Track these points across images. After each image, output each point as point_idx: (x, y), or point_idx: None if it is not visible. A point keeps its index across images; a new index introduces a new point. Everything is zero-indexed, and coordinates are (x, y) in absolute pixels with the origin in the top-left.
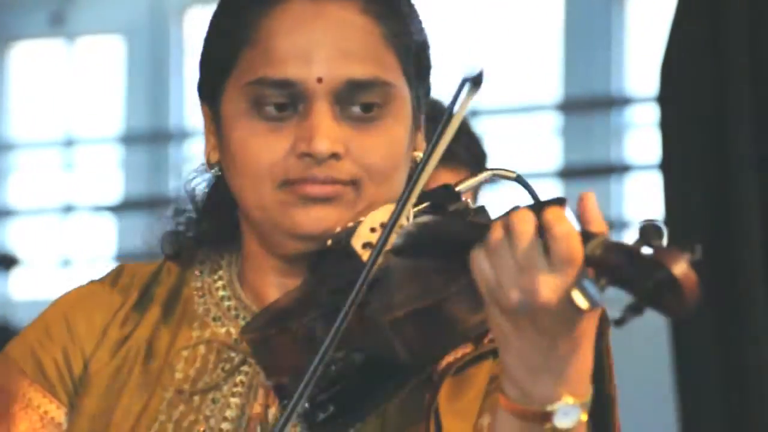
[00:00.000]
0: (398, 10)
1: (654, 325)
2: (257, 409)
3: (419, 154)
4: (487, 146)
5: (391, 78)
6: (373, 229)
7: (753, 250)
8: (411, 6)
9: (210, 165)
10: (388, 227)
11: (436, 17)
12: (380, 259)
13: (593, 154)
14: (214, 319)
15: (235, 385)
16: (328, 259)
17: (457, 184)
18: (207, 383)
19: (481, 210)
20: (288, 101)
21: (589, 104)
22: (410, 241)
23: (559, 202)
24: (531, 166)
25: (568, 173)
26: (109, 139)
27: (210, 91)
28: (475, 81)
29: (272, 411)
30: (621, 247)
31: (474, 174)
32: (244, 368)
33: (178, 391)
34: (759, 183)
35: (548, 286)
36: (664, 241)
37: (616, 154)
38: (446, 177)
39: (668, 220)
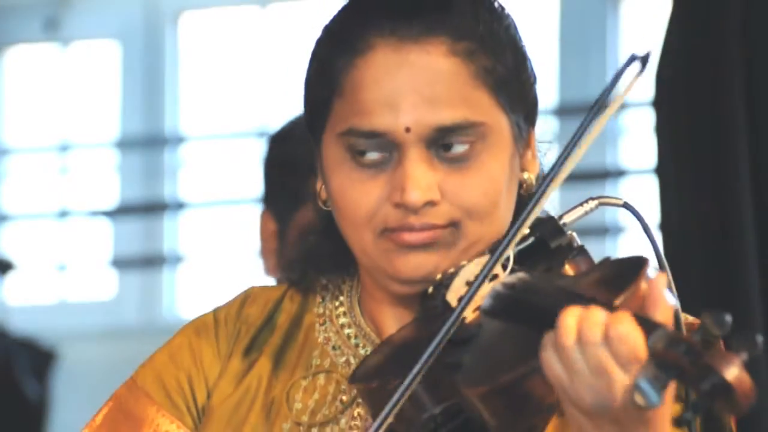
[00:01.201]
0: (488, 43)
1: None
2: None
3: (530, 177)
4: None
5: (482, 117)
6: (468, 283)
7: (749, 253)
8: (506, 32)
9: (323, 201)
10: (475, 283)
11: None
12: (471, 316)
13: (589, 159)
14: (334, 348)
15: (353, 418)
16: (431, 302)
17: (561, 217)
18: (326, 416)
19: (582, 251)
20: (381, 149)
21: (585, 109)
22: (499, 304)
23: (638, 265)
24: None
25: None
26: (105, 143)
27: (312, 134)
28: (644, 61)
29: None
30: (682, 342)
31: (580, 204)
32: (361, 400)
33: (297, 423)
34: (754, 187)
35: (623, 388)
36: (726, 331)
37: (611, 158)
38: None
39: (663, 226)
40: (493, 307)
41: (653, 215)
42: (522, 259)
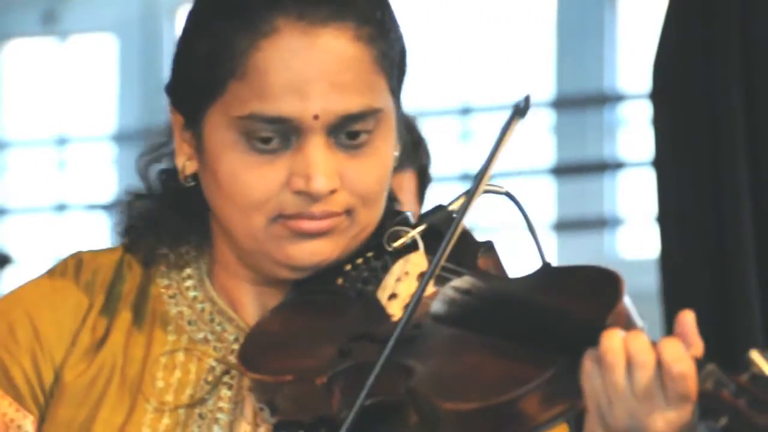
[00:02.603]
0: (384, 29)
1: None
2: (246, 427)
3: (395, 153)
4: (479, 143)
5: (381, 103)
6: (398, 279)
7: (746, 246)
8: (392, 14)
9: (185, 176)
10: (421, 286)
11: (430, 15)
12: (399, 314)
13: (586, 151)
14: (189, 323)
15: (220, 399)
16: (333, 294)
17: (450, 204)
18: (192, 396)
19: (490, 248)
20: (281, 134)
21: (581, 101)
22: (457, 311)
23: (613, 280)
24: (524, 164)
25: (561, 170)
26: (102, 137)
27: (189, 109)
28: (522, 110)
29: (261, 431)
30: (732, 381)
31: (464, 192)
32: (227, 379)
33: (161, 403)
34: (752, 179)
35: (664, 420)
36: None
37: (609, 151)
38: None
39: (661, 218)
40: (448, 314)
41: (651, 207)
42: (426, 245)
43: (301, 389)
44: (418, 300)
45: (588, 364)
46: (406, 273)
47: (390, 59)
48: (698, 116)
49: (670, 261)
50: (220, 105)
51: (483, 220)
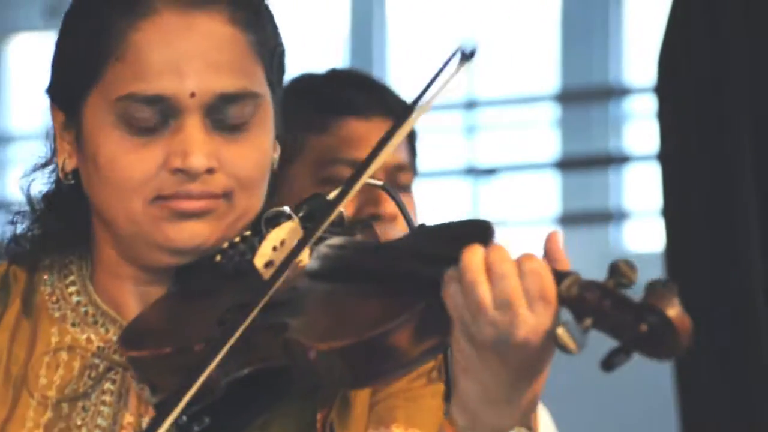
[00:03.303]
0: (261, 17)
1: None
2: (129, 418)
3: (275, 155)
4: (485, 137)
5: (257, 89)
6: (275, 248)
7: (751, 239)
8: (270, 12)
9: (65, 173)
10: (297, 246)
11: (434, 8)
12: (285, 279)
13: (591, 145)
14: (73, 325)
15: (104, 392)
16: (214, 275)
17: (327, 193)
18: (74, 390)
19: (369, 225)
20: (159, 115)
21: (587, 95)
22: (331, 265)
23: (485, 229)
24: (529, 157)
25: (566, 164)
26: None
27: (67, 97)
28: (469, 55)
29: (146, 420)
30: (598, 286)
31: (346, 182)
32: (111, 375)
33: (44, 397)
34: (757, 172)
35: (525, 326)
36: (634, 279)
37: (614, 144)
38: (382, 126)
39: (666, 211)
40: (322, 269)
41: (656, 201)
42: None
43: (181, 361)
44: (287, 261)
45: (449, 284)
46: (282, 242)
47: (267, 50)
48: (703, 110)
49: (675, 254)
50: (101, 88)
51: (485, 214)
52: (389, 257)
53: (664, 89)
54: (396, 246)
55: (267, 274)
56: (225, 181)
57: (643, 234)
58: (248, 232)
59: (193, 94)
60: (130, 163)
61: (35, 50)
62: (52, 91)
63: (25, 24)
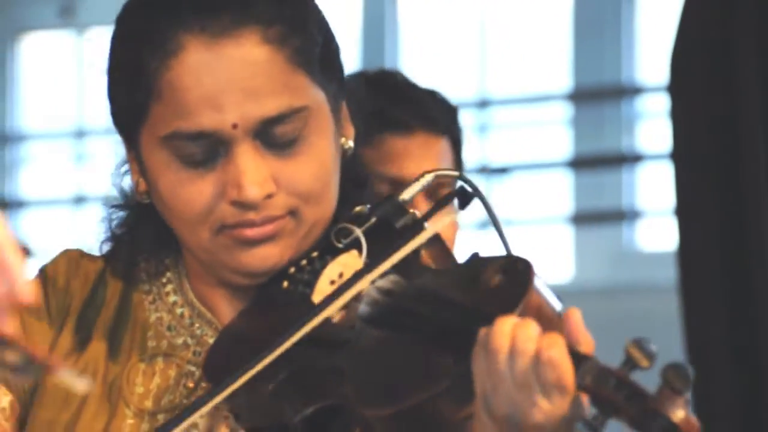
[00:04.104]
0: (295, 24)
1: (667, 312)
2: (224, 430)
3: (347, 141)
4: (497, 136)
5: (304, 101)
6: (332, 282)
7: (765, 238)
8: (307, 8)
9: (139, 194)
10: (337, 292)
11: (446, 7)
12: (338, 316)
13: (604, 144)
14: (169, 329)
15: None
16: (280, 298)
17: (400, 193)
18: (171, 401)
19: (436, 238)
20: (208, 147)
21: (599, 94)
22: (379, 312)
23: (525, 273)
24: (541, 156)
25: (578, 163)
26: None
27: (123, 132)
28: (464, 201)
29: None
30: (612, 376)
31: (416, 179)
32: (206, 385)
33: (140, 409)
34: None
35: (540, 410)
36: (654, 361)
37: (627, 143)
38: (424, 141)
39: (679, 210)
40: (371, 316)
41: (669, 200)
42: (371, 242)
43: (254, 397)
44: (334, 296)
45: (477, 348)
46: (340, 275)
47: (309, 53)
48: (716, 108)
49: (688, 254)
50: (148, 128)
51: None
52: (433, 308)
53: (676, 88)
54: (440, 293)
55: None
56: (287, 200)
57: (656, 233)
58: (315, 254)
59: (235, 126)
60: (190, 196)
61: (48, 49)
62: (114, 120)
63: (38, 23)
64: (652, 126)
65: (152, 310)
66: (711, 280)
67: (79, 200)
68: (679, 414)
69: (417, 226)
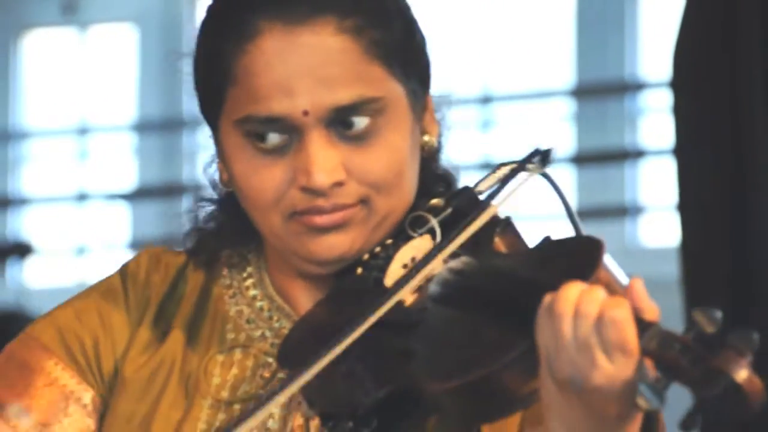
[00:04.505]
0: (376, 16)
1: (669, 307)
2: (299, 420)
3: (431, 139)
4: (500, 132)
5: (378, 92)
6: (405, 266)
7: (766, 235)
8: (393, 5)
9: (223, 183)
10: (410, 273)
11: (450, 3)
12: (411, 299)
13: (607, 140)
14: (248, 322)
15: None
16: (355, 287)
17: (477, 185)
18: (247, 392)
19: (508, 224)
20: (281, 133)
21: (602, 89)
22: (450, 291)
23: (595, 250)
24: None
25: (581, 159)
26: (123, 126)
27: (206, 119)
28: (544, 157)
29: (314, 423)
30: (676, 340)
31: (493, 171)
32: (283, 374)
33: (217, 399)
34: None
35: (601, 372)
36: (717, 327)
37: (630, 139)
38: None
39: (682, 206)
40: (442, 295)
41: (671, 196)
42: (445, 231)
43: (326, 383)
44: (406, 278)
45: (541, 313)
46: (412, 259)
47: (387, 46)
48: (719, 104)
49: (690, 249)
50: (225, 112)
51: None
52: (502, 285)
53: (679, 84)
54: (510, 271)
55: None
56: (358, 189)
57: (659, 228)
58: (389, 240)
59: (306, 113)
60: (262, 182)
61: (51, 46)
62: (200, 110)
63: (42, 19)
64: (655, 122)
65: (232, 304)
66: (713, 276)
67: (82, 197)
68: (742, 374)
69: (484, 205)
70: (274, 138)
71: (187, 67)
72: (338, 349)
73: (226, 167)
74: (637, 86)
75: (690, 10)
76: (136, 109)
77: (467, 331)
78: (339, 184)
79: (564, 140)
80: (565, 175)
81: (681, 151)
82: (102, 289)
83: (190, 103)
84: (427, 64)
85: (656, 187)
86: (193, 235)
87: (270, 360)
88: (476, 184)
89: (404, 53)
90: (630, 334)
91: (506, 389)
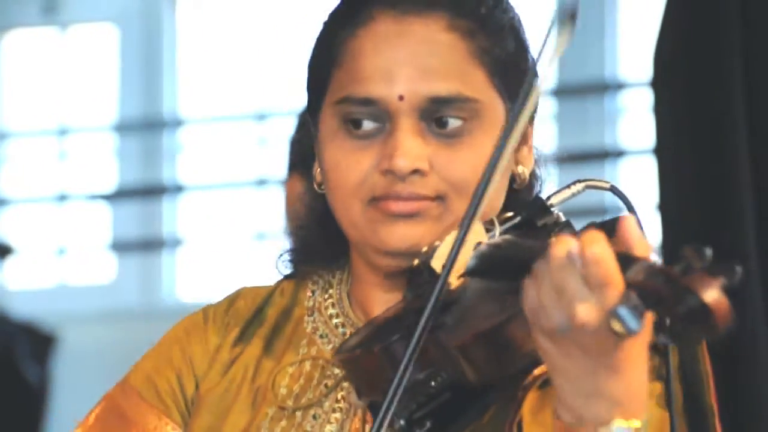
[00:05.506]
0: (489, 25)
1: None
2: (356, 424)
3: (524, 171)
4: None
5: (476, 94)
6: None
7: (748, 234)
8: (509, 18)
9: (318, 184)
10: (455, 247)
11: None
12: (458, 281)
13: (587, 139)
14: (321, 337)
15: (337, 401)
16: (418, 279)
17: (549, 198)
18: (309, 399)
19: (567, 225)
20: (374, 119)
21: (582, 89)
22: (482, 263)
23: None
24: None
25: (561, 158)
26: (103, 127)
27: (312, 112)
28: (570, 15)
29: (369, 427)
30: (662, 273)
31: (567, 186)
32: (345, 384)
33: (281, 407)
34: (753, 167)
35: (584, 309)
36: (707, 263)
37: (610, 139)
38: None
39: (662, 205)
40: (475, 267)
41: (652, 196)
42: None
43: (367, 364)
44: (452, 262)
45: (526, 278)
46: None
47: (494, 56)
48: (699, 104)
49: (671, 249)
50: (328, 96)
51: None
52: (531, 257)
53: (659, 83)
54: (545, 244)
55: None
56: (438, 183)
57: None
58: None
59: (401, 97)
60: (349, 166)
61: (32, 46)
62: (307, 102)
63: (22, 20)
64: (635, 121)
65: (309, 322)
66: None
67: (62, 198)
68: (711, 294)
69: (560, 226)
70: (367, 123)
71: (168, 67)
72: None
73: (320, 158)
74: (618, 86)
75: (671, 9)
76: (117, 110)
77: (488, 297)
78: (420, 173)
79: (545, 139)
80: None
81: (662, 151)
82: (185, 324)
83: (170, 103)
84: (530, 93)
85: (636, 187)
86: (291, 258)
87: (336, 371)
88: (549, 197)
89: (510, 71)
90: (610, 267)
91: (514, 342)
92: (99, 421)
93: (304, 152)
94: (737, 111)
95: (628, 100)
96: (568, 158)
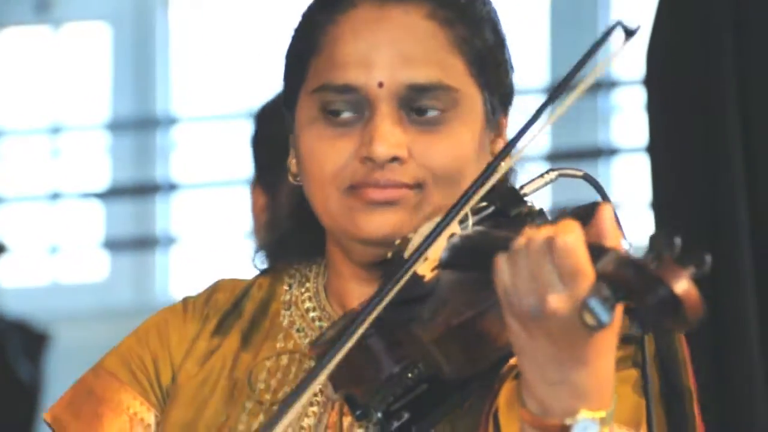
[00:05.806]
0: (468, 15)
1: None
2: (334, 417)
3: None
4: None
5: (455, 83)
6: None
7: (740, 231)
8: (487, 11)
9: (293, 176)
10: (427, 239)
11: None
12: (431, 273)
13: (580, 138)
14: (298, 330)
15: (315, 395)
16: (392, 271)
17: (523, 187)
18: (287, 393)
19: (540, 213)
20: (353, 107)
21: (576, 87)
22: (455, 255)
23: (593, 206)
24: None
25: (555, 156)
26: (96, 125)
27: (289, 102)
28: (629, 31)
29: (347, 420)
30: (632, 263)
31: (540, 175)
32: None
33: (259, 402)
34: (746, 165)
35: (556, 297)
36: (676, 251)
37: (603, 137)
38: None
39: (655, 203)
40: (448, 259)
41: (645, 194)
42: (483, 223)
43: (345, 360)
44: (421, 251)
45: (499, 258)
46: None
47: (472, 46)
48: (692, 102)
49: None
50: (306, 85)
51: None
52: (493, 244)
53: (652, 81)
54: (515, 234)
55: (420, 268)
56: (416, 171)
57: (632, 226)
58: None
59: (380, 84)
60: (326, 154)
61: (24, 45)
62: (283, 93)
63: (14, 18)
64: (628, 119)
65: (286, 316)
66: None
67: (55, 196)
68: (681, 285)
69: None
70: (345, 111)
71: (161, 65)
72: (357, 329)
73: (296, 148)
74: (611, 84)
75: (663, 7)
76: (110, 108)
77: (461, 289)
78: (399, 160)
79: (538, 138)
80: (539, 172)
81: (654, 149)
82: (164, 313)
83: (163, 102)
84: (510, 90)
85: (630, 185)
86: (267, 253)
87: (313, 364)
88: (521, 186)
89: (487, 62)
90: (581, 258)
91: (488, 334)
92: (69, 404)
93: (263, 157)
94: (730, 109)
95: (622, 99)
96: (561, 156)
